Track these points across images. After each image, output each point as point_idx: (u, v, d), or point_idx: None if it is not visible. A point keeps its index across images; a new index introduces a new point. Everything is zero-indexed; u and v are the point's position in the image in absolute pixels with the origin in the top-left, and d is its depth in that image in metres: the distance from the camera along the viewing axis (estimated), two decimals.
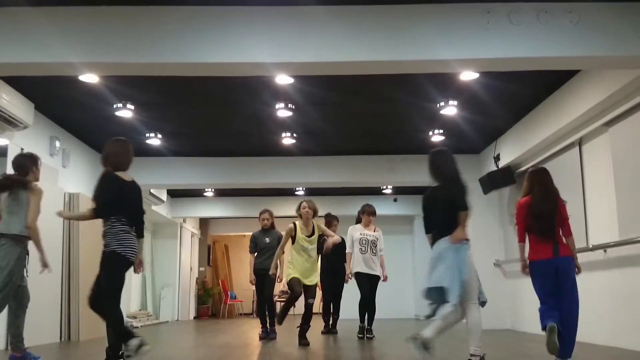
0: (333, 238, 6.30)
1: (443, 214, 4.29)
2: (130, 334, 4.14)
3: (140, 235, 4.45)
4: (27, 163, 4.89)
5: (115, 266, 4.28)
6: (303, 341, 6.28)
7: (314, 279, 6.41)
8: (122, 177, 4.39)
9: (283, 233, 7.65)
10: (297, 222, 6.39)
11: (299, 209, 6.40)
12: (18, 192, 4.72)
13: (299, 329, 6.42)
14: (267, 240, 7.54)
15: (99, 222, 4.42)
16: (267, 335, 7.37)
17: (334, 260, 7.83)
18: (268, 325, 7.45)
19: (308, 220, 6.36)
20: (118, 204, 4.30)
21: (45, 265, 4.91)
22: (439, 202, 4.34)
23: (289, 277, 6.28)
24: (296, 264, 6.28)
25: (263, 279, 7.40)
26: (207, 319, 14.66)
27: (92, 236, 8.37)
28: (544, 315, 4.33)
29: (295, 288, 6.19)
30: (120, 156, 4.44)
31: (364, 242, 7.33)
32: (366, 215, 7.50)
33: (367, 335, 7.25)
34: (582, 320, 6.46)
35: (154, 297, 13.25)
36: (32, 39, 4.59)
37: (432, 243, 4.36)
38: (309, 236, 6.33)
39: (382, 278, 7.41)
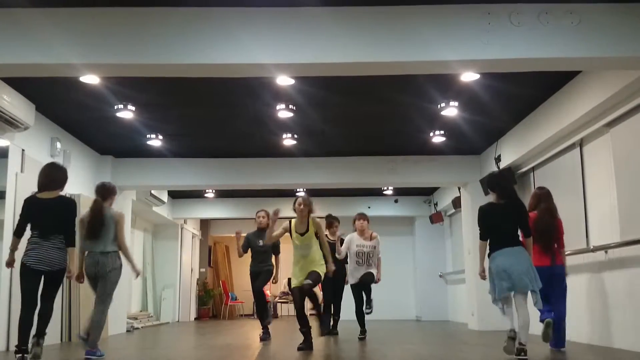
0: (330, 266, 6.25)
1: (511, 226, 5.11)
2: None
3: (68, 244, 5.06)
4: (111, 190, 5.87)
5: (20, 274, 4.95)
6: (328, 329, 6.21)
7: (316, 267, 6.07)
8: (40, 197, 5.05)
9: None
10: (293, 220, 6.19)
11: (294, 205, 6.16)
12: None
13: (303, 332, 6.07)
14: (261, 243, 7.32)
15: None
16: (269, 336, 7.33)
17: (333, 262, 7.82)
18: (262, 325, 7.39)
19: (302, 218, 6.10)
20: (29, 221, 4.99)
21: (138, 273, 5.94)
22: (508, 216, 5.11)
23: (292, 285, 6.14)
24: (295, 261, 6.14)
25: (256, 279, 7.36)
26: (208, 320, 14.66)
27: None
28: (543, 311, 5.29)
29: (295, 304, 6.06)
30: (39, 179, 5.14)
31: (360, 254, 7.33)
32: (357, 221, 7.46)
33: (360, 336, 7.32)
34: (584, 321, 6.47)
35: (154, 298, 13.25)
36: (33, 40, 4.59)
37: (490, 249, 5.11)
38: (302, 234, 6.07)
39: (375, 278, 7.38)
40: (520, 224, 5.11)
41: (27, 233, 5.09)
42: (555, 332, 5.40)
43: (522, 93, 6.69)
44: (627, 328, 5.64)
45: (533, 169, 8.08)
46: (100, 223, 5.54)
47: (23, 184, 6.70)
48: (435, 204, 12.99)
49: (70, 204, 5.14)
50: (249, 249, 7.53)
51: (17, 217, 5.15)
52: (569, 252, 6.68)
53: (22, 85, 6.21)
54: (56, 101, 6.89)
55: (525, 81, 6.20)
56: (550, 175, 7.60)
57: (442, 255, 13.41)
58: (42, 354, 4.83)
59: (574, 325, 6.74)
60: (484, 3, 4.69)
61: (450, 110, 7.14)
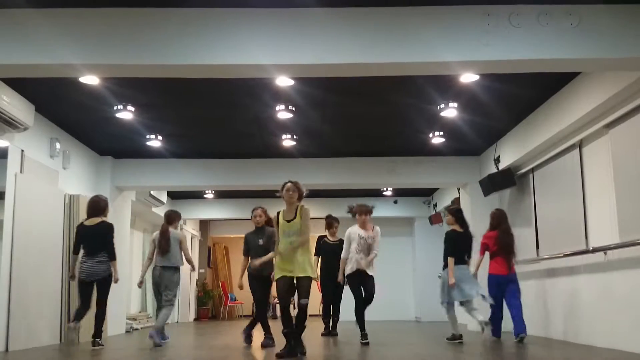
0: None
1: (466, 249, 6.98)
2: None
3: (111, 258, 6.60)
4: (175, 217, 7.54)
5: (77, 284, 6.59)
6: (300, 348, 5.42)
7: (307, 269, 5.45)
8: (86, 224, 6.66)
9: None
10: (281, 210, 5.67)
11: (282, 190, 5.61)
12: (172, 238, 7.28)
13: (285, 334, 5.52)
14: (260, 242, 6.86)
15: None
16: (268, 343, 6.73)
17: (334, 262, 7.78)
18: (262, 331, 6.91)
19: (291, 205, 5.56)
20: (79, 242, 6.59)
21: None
22: (465, 242, 7.00)
23: (275, 277, 5.55)
24: (281, 250, 5.49)
25: (258, 282, 6.86)
26: (207, 320, 14.65)
27: None
28: (519, 325, 6.74)
29: (280, 299, 5.45)
30: (86, 209, 6.77)
31: (362, 243, 6.91)
32: (358, 216, 7.03)
33: (362, 341, 6.79)
34: (583, 322, 6.47)
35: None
36: (32, 40, 4.59)
37: (451, 265, 6.88)
38: (289, 220, 5.52)
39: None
40: (470, 248, 7.02)
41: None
42: (517, 323, 6.78)
43: (522, 94, 6.69)
44: (626, 329, 5.63)
45: (532, 170, 8.08)
46: (167, 242, 7.15)
47: (22, 185, 6.70)
48: (435, 205, 12.98)
49: (108, 228, 6.66)
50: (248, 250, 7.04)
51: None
52: (568, 252, 6.71)
53: (22, 85, 6.21)
54: (56, 102, 6.89)
55: (524, 82, 6.21)
56: (549, 176, 7.61)
57: (442, 256, 13.36)
58: (101, 345, 6.52)
59: (572, 325, 6.74)
60: (484, 4, 4.69)
61: (450, 111, 7.14)
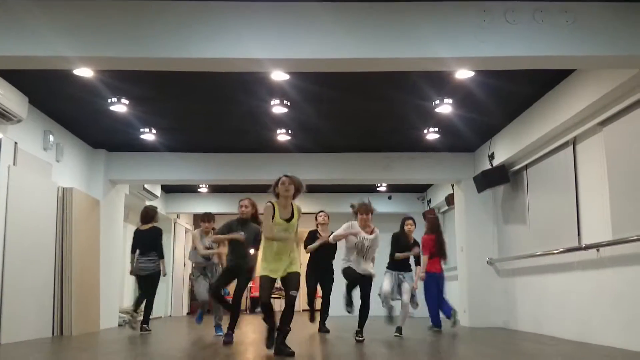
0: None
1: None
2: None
3: (160, 257, 7.91)
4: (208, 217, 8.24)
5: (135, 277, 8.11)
6: (285, 349, 4.94)
7: (293, 266, 5.09)
8: (140, 228, 8.08)
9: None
10: (274, 201, 5.14)
11: (276, 185, 5.13)
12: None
13: (276, 332, 5.09)
14: (242, 234, 6.62)
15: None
16: (228, 338, 6.27)
17: (321, 257, 7.72)
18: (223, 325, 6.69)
19: (287, 200, 5.09)
20: (135, 244, 7.94)
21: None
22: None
23: (259, 274, 5.17)
24: (267, 254, 5.09)
25: (232, 275, 6.61)
26: None
27: (84, 233, 8.35)
28: (436, 318, 8.02)
29: (262, 292, 5.06)
30: (140, 216, 8.18)
31: (360, 245, 6.63)
32: (359, 215, 6.73)
33: (357, 338, 6.62)
34: (576, 319, 6.50)
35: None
36: (26, 32, 4.56)
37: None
38: (287, 220, 5.07)
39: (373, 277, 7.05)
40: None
41: None
42: (435, 315, 7.98)
43: (517, 91, 6.71)
44: (619, 326, 5.67)
45: (526, 166, 8.10)
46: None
47: (15, 177, 6.67)
48: (429, 201, 13.00)
49: (158, 232, 8.02)
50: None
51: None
52: (560, 249, 6.74)
53: (15, 77, 6.17)
54: (49, 94, 6.85)
55: (519, 79, 6.22)
56: (543, 173, 7.63)
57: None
58: (149, 330, 7.87)
59: (565, 322, 6.78)
60: (480, 0, 4.69)
61: (445, 108, 7.15)
